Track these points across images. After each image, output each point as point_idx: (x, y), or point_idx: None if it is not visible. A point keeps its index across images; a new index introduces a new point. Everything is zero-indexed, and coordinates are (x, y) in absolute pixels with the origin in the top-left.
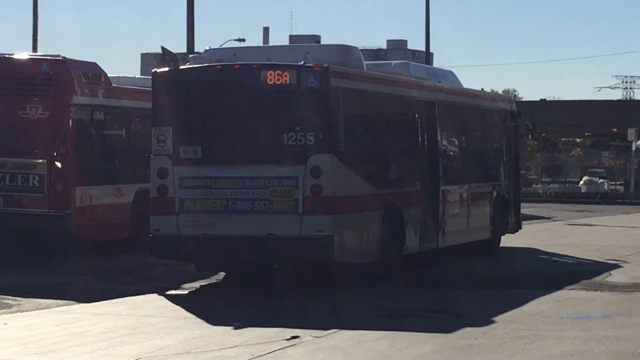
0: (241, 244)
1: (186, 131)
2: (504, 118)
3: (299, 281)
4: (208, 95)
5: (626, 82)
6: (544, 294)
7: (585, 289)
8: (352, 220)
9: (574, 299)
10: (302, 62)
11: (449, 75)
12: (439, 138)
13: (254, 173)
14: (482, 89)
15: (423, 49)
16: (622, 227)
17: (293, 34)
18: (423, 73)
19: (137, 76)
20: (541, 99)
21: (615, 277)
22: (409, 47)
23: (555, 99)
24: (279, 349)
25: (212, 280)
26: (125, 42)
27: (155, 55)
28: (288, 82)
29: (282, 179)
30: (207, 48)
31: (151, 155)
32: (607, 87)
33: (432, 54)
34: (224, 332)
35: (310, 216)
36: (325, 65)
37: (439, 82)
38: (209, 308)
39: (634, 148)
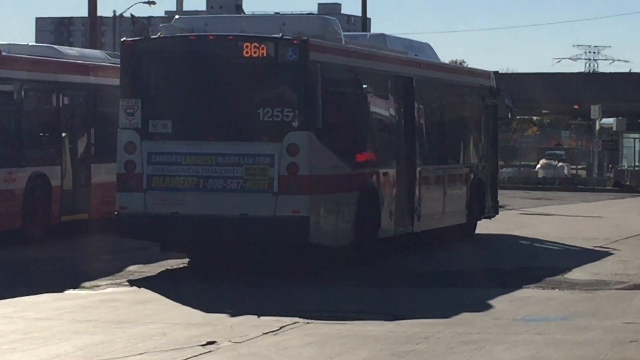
0: (212, 223)
1: (156, 104)
2: (483, 95)
3: (254, 270)
4: (180, 67)
5: (589, 52)
6: (497, 293)
7: (541, 287)
8: (328, 201)
9: (529, 298)
10: (280, 34)
11: (426, 48)
12: (416, 116)
13: (227, 149)
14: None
15: (359, 13)
16: (584, 217)
17: None
18: (400, 46)
19: (31, 43)
20: (494, 72)
21: (575, 273)
22: (343, 11)
23: (509, 72)
24: (192, 357)
25: (118, 278)
26: (17, 5)
27: (52, 19)
28: (265, 54)
29: (256, 157)
30: (176, 17)
31: (118, 128)
32: (568, 58)
33: (369, 19)
34: (130, 337)
35: (285, 196)
36: (305, 38)
37: (416, 55)
38: (117, 309)
39: (597, 127)
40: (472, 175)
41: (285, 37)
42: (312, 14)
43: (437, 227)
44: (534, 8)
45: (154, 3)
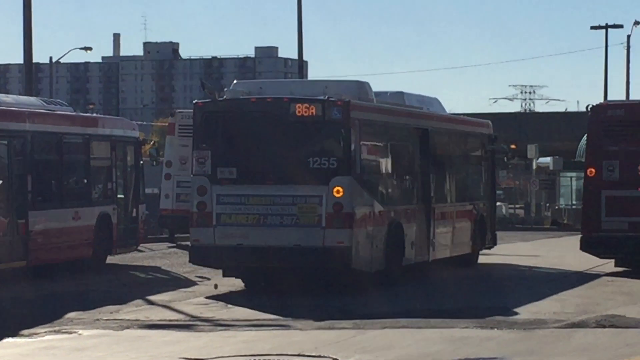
0: (271, 253)
1: (223, 155)
2: (483, 142)
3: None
4: (243, 123)
5: (525, 92)
6: (437, 333)
7: (480, 326)
8: (365, 234)
9: (468, 338)
10: (326, 96)
11: (435, 102)
12: (431, 161)
13: (283, 192)
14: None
15: (295, 56)
16: (521, 256)
17: (147, 40)
18: (415, 102)
19: None
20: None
21: (514, 312)
22: (280, 54)
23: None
24: None
25: (57, 325)
26: None
27: None
28: (314, 113)
29: (307, 197)
30: (235, 81)
31: (191, 175)
32: (505, 98)
33: (306, 62)
34: None
35: (332, 229)
36: (347, 99)
37: (428, 108)
38: (55, 357)
39: (534, 166)
40: (475, 212)
41: (330, 99)
42: (349, 80)
43: (447, 256)
44: (469, 49)
45: (90, 49)
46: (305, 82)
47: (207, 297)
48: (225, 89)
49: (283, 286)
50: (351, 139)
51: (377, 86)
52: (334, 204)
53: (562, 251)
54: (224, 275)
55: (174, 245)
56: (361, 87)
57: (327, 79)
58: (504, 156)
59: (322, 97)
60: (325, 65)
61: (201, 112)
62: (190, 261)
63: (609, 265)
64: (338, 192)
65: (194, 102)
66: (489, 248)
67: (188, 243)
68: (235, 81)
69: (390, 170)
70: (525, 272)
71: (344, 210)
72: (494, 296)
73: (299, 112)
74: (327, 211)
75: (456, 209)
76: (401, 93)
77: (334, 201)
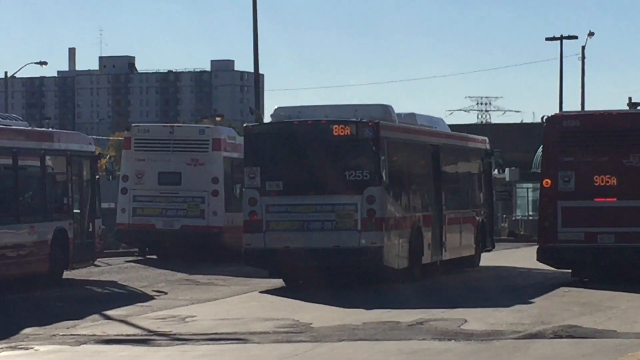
0: (314, 254)
1: (271, 170)
2: (482, 156)
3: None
4: (287, 143)
5: (481, 103)
6: (392, 345)
7: (438, 338)
8: (394, 236)
9: (425, 350)
10: (359, 118)
11: (440, 122)
12: (441, 173)
13: (323, 201)
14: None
15: (251, 69)
16: (479, 267)
17: (103, 55)
18: (425, 121)
19: None
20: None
21: (471, 324)
22: (236, 68)
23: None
24: None
25: (14, 342)
26: None
27: None
28: (349, 133)
29: (345, 205)
30: (277, 107)
31: (243, 188)
32: (461, 110)
33: (262, 75)
34: None
35: (366, 232)
36: (377, 121)
37: (435, 127)
38: None
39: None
40: (477, 218)
41: (363, 120)
42: (376, 104)
43: (456, 256)
44: (426, 61)
45: (45, 63)
46: (337, 106)
47: (165, 310)
48: (271, 114)
49: (320, 284)
50: (380, 155)
51: (333, 99)
52: (368, 211)
53: (519, 262)
54: (270, 276)
55: (131, 260)
56: (385, 109)
57: (357, 103)
58: (498, 168)
59: (355, 119)
60: (282, 78)
61: (251, 134)
62: (244, 263)
63: (565, 275)
64: (371, 200)
65: (244, 125)
66: (489, 251)
67: (143, 257)
68: (276, 106)
69: (410, 181)
70: (482, 282)
71: (377, 215)
72: (451, 307)
73: (335, 132)
74: (362, 217)
75: (462, 215)
76: (413, 114)
77: (368, 208)
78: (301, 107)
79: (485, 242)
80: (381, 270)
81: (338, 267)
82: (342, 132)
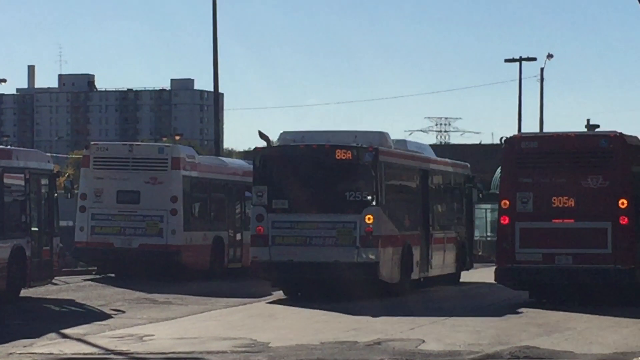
0: (315, 267)
1: (277, 189)
2: (464, 180)
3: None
4: (293, 164)
5: (440, 124)
6: None
7: (395, 358)
8: (388, 252)
9: None
10: (359, 144)
11: (427, 148)
12: (428, 195)
13: (325, 219)
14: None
15: (211, 89)
16: (437, 288)
17: (62, 72)
18: (414, 147)
19: None
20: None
21: (429, 344)
22: (196, 87)
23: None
24: None
25: None
26: None
27: None
28: (350, 157)
29: (345, 223)
30: (282, 131)
31: (252, 205)
32: (420, 130)
33: (222, 94)
34: None
35: (364, 248)
36: (376, 147)
37: (422, 153)
38: None
39: None
40: (459, 238)
41: (363, 146)
42: (374, 131)
43: (439, 274)
44: (385, 81)
45: (4, 81)
46: (338, 132)
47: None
48: (277, 139)
49: (318, 295)
50: (378, 178)
51: (296, 118)
52: (366, 229)
53: (477, 282)
54: (273, 286)
55: (89, 278)
56: (382, 136)
57: (356, 130)
58: (479, 193)
59: (355, 144)
60: (243, 97)
61: (259, 155)
62: (251, 274)
63: (523, 296)
64: (369, 219)
65: (254, 148)
66: (468, 269)
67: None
68: (282, 131)
69: (402, 202)
70: (441, 302)
71: (374, 233)
72: (406, 327)
73: (338, 156)
74: (360, 234)
75: (446, 235)
76: (404, 141)
77: (366, 226)
78: (305, 132)
79: (465, 261)
80: (377, 284)
81: (337, 280)
82: (344, 156)
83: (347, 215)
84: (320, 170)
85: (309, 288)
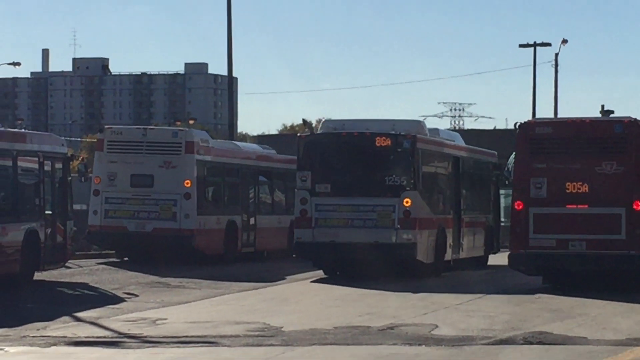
0: (356, 248)
1: (320, 174)
2: (492, 167)
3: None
4: (335, 151)
5: (454, 109)
6: (363, 350)
7: (408, 343)
8: (424, 234)
9: (396, 355)
10: (398, 132)
11: (457, 137)
12: (460, 181)
13: (365, 202)
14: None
15: (225, 73)
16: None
17: (77, 56)
18: (446, 136)
19: None
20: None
21: (442, 329)
22: (210, 71)
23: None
24: None
25: None
26: None
27: None
28: (390, 144)
29: (384, 206)
30: (323, 119)
31: (295, 189)
32: (434, 116)
33: (235, 79)
34: None
35: (402, 230)
36: (414, 134)
37: (454, 142)
38: None
39: None
40: (487, 223)
41: (402, 134)
42: (411, 119)
43: (469, 256)
44: (399, 66)
45: (18, 64)
46: (377, 120)
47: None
48: (320, 126)
49: (356, 274)
50: (415, 164)
51: (309, 103)
52: (404, 212)
53: (490, 268)
54: (314, 266)
55: (103, 262)
56: (418, 125)
57: (394, 119)
58: (506, 180)
59: (394, 132)
60: (257, 82)
61: (304, 142)
62: (294, 254)
63: (536, 282)
64: (407, 202)
65: (298, 135)
66: (495, 253)
67: (115, 260)
68: (323, 119)
69: (437, 187)
70: (454, 287)
71: (412, 216)
72: (420, 312)
73: (378, 143)
74: (399, 217)
75: (476, 219)
76: (437, 129)
77: (404, 209)
78: (345, 121)
79: (492, 244)
80: (414, 264)
81: (377, 260)
82: (383, 143)
83: (386, 199)
84: (361, 157)
85: (347, 268)
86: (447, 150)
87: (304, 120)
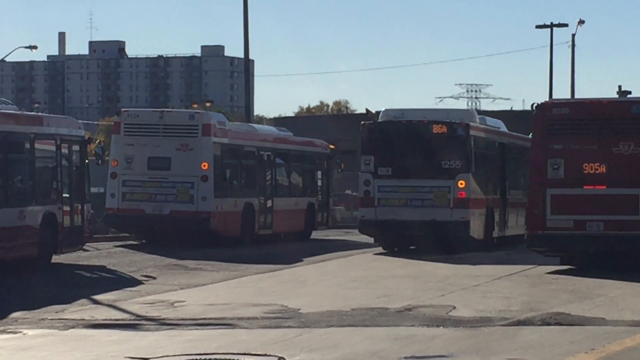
0: (414, 225)
1: (382, 158)
2: (526, 152)
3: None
4: (396, 137)
5: (471, 90)
6: (380, 332)
7: (426, 324)
8: (476, 213)
9: (414, 336)
10: (452, 120)
11: (501, 124)
12: (505, 165)
13: (424, 184)
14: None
15: (241, 55)
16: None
17: (93, 39)
18: (492, 123)
19: None
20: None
21: (460, 310)
22: (226, 53)
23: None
24: None
25: (1, 325)
26: None
27: None
28: (446, 131)
29: (441, 187)
30: (384, 109)
31: (359, 172)
32: (450, 97)
33: (252, 61)
34: None
35: (457, 209)
36: (467, 122)
37: (499, 128)
38: None
39: None
40: (524, 201)
41: (456, 122)
42: (462, 109)
43: (513, 234)
44: (416, 48)
45: (35, 47)
46: (432, 109)
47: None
48: (381, 114)
49: (412, 249)
50: (469, 149)
51: (326, 85)
52: (459, 192)
53: (507, 249)
54: (375, 241)
55: (120, 244)
56: (469, 113)
57: (447, 108)
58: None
59: (449, 120)
60: (273, 64)
61: (367, 129)
62: (359, 231)
63: (554, 263)
64: (461, 184)
65: (362, 122)
66: None
67: (133, 242)
68: (384, 109)
69: (486, 170)
70: (469, 269)
71: (466, 196)
72: (437, 294)
73: (435, 130)
74: (454, 197)
75: (519, 200)
76: (484, 117)
77: (458, 190)
78: (404, 110)
79: None
80: (467, 240)
81: (434, 236)
82: (440, 130)
83: (442, 181)
84: (419, 142)
85: (405, 243)
86: (494, 136)
87: (367, 110)
